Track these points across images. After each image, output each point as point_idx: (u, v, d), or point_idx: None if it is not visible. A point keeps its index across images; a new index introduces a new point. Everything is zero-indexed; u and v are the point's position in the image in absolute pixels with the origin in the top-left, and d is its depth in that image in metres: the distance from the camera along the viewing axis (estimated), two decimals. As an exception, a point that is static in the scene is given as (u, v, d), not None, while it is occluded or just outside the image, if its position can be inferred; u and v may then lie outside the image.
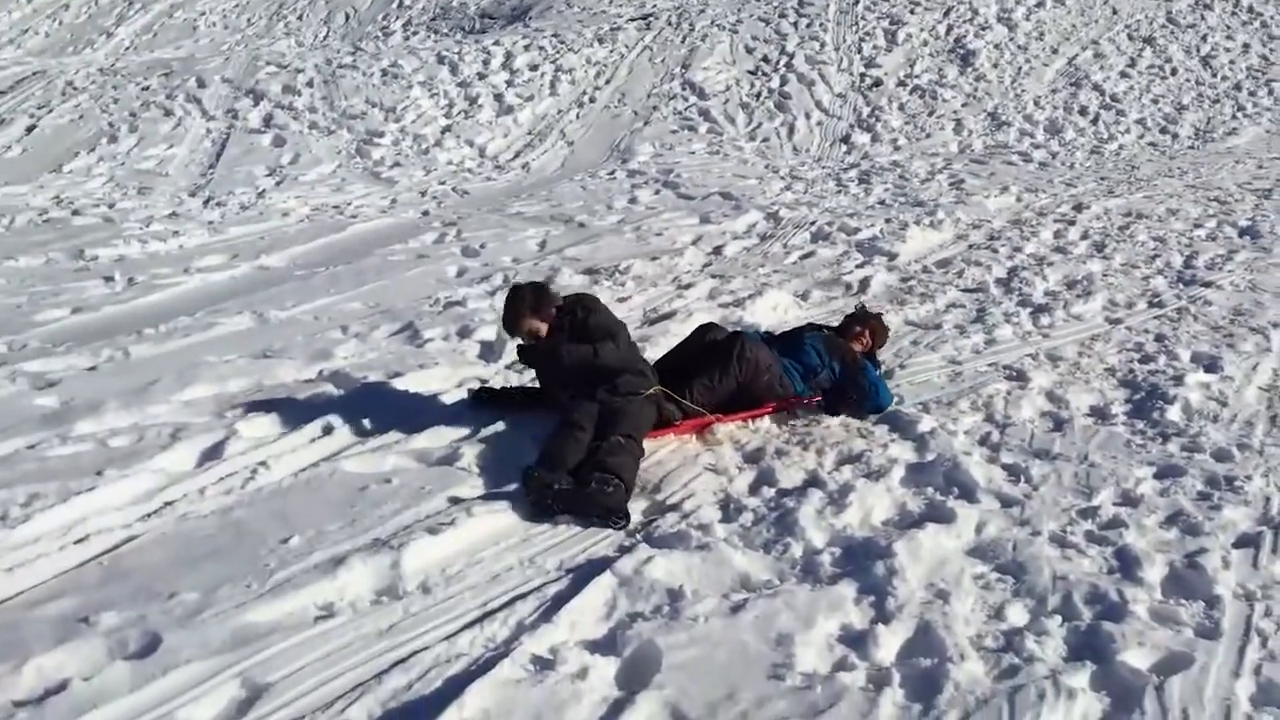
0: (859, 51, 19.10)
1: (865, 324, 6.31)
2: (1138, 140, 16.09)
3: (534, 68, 18.33)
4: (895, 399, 5.85)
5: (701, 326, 6.05)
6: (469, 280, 8.73)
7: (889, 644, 3.59)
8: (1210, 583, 3.91)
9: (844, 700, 3.26)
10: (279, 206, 12.06)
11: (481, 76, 17.95)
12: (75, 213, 11.66)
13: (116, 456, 4.96)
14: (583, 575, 4.02)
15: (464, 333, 7.09)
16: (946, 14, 20.42)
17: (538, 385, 5.60)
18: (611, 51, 19.15)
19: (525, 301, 5.32)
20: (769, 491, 4.80)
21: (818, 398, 5.79)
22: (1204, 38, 19.91)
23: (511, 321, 5.36)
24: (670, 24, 20.29)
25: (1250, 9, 20.93)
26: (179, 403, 5.74)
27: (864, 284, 8.52)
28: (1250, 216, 10.81)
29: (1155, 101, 17.56)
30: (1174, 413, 5.65)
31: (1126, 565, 4.05)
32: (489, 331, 7.02)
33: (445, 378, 6.23)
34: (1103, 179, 13.23)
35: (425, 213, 11.79)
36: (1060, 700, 3.22)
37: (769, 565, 4.12)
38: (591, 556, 4.23)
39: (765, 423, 5.61)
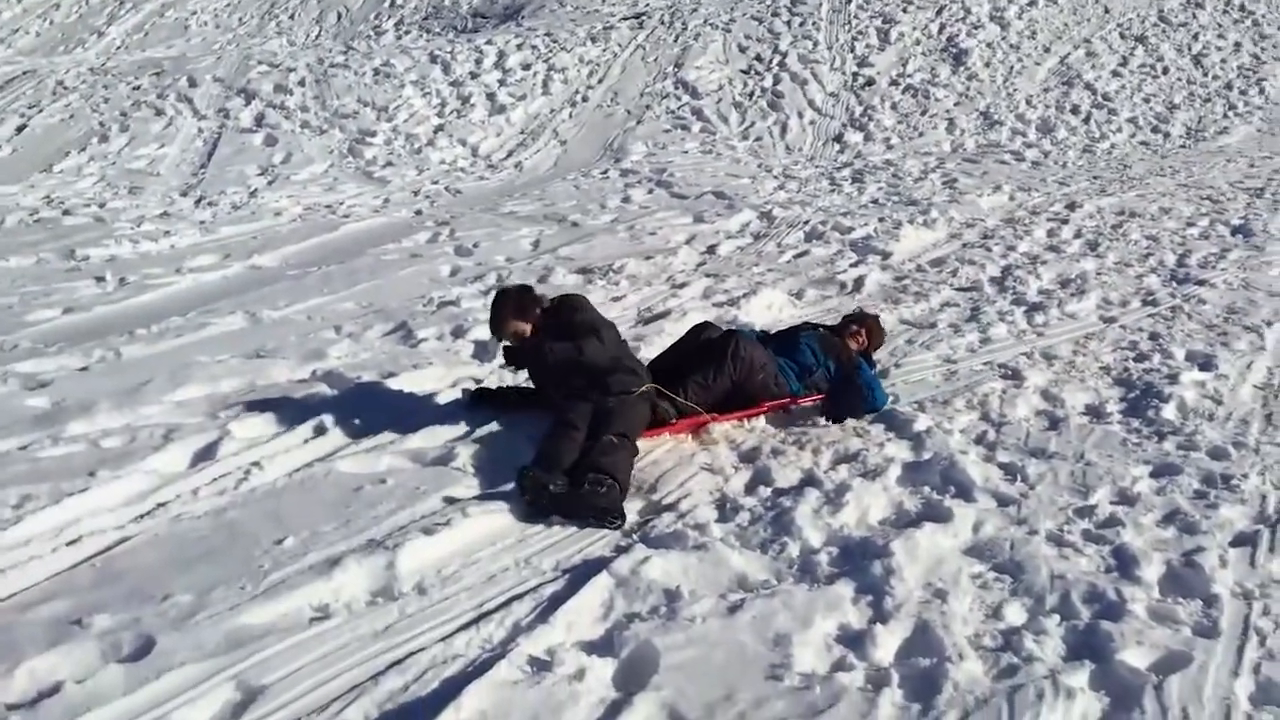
0: (852, 50, 19.11)
1: (862, 323, 6.31)
2: (1130, 139, 16.13)
3: (526, 67, 18.31)
4: (890, 398, 5.84)
5: (696, 326, 6.04)
6: (462, 280, 8.71)
7: (887, 644, 3.57)
8: (1208, 581, 3.90)
9: (843, 700, 3.25)
10: (271, 206, 12.03)
11: (474, 75, 17.93)
12: (66, 212, 11.62)
13: (109, 457, 4.93)
14: (579, 576, 4.00)
15: (458, 332, 7.07)
16: (939, 13, 20.44)
17: (532, 386, 5.58)
18: (604, 50, 19.14)
19: (510, 303, 5.36)
20: (765, 491, 4.78)
21: (815, 397, 5.78)
22: (1195, 36, 19.95)
23: (497, 324, 5.39)
24: (663, 23, 20.28)
25: (1241, 7, 20.98)
26: (171, 403, 5.71)
27: (858, 283, 8.51)
28: (1242, 215, 10.83)
29: (1147, 100, 17.60)
30: (1169, 411, 5.64)
31: (1124, 564, 4.04)
32: (483, 331, 6.97)
33: (439, 378, 6.21)
34: (1095, 178, 13.25)
35: (418, 212, 11.77)
36: (1059, 700, 3.21)
37: (766, 565, 4.10)
38: (588, 557, 4.21)
39: (761, 422, 5.60)
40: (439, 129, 16.08)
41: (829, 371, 5.86)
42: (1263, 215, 10.79)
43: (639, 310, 7.78)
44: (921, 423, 5.46)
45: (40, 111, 16.14)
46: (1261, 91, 18.03)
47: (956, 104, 17.39)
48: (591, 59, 18.81)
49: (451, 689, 3.27)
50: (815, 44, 19.22)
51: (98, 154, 14.74)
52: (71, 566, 4.06)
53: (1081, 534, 4.31)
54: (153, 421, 5.42)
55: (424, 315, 7.55)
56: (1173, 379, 6.11)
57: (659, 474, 5.00)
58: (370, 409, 5.55)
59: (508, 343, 5.38)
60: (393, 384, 6.03)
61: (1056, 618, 3.70)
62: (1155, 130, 16.50)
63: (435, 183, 13.67)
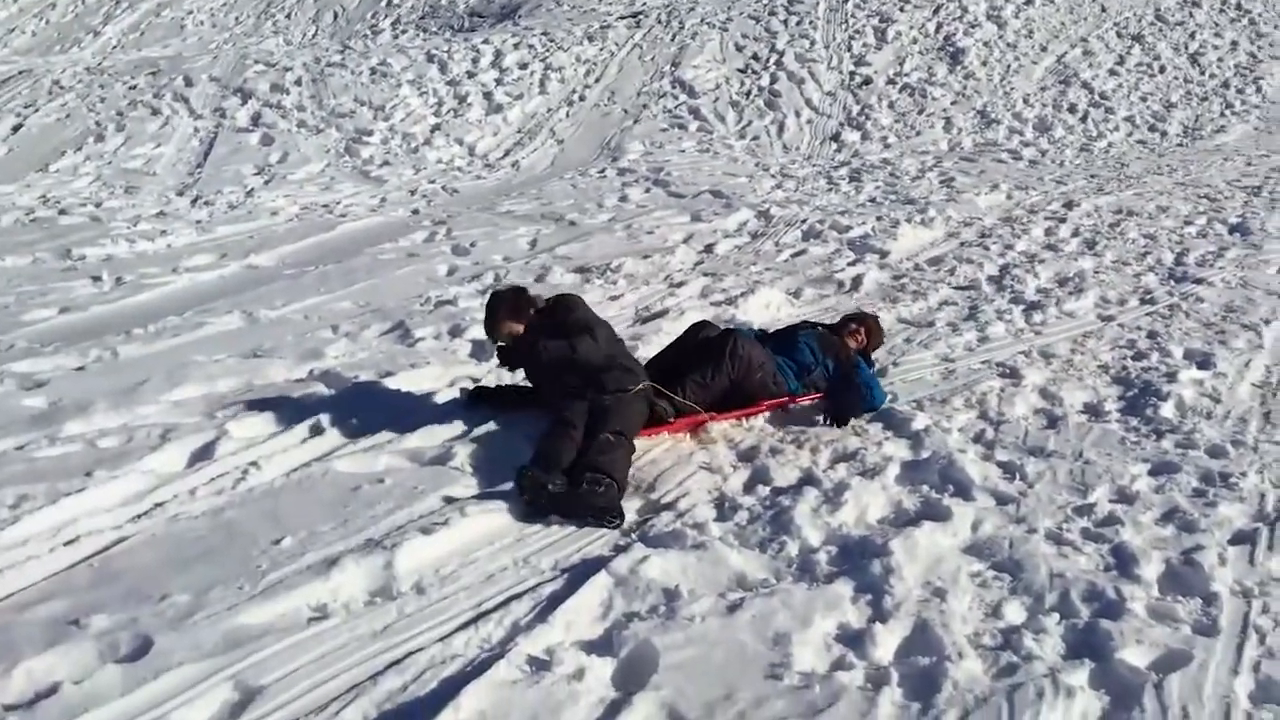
0: (849, 49, 19.11)
1: (862, 322, 6.30)
2: (1127, 138, 16.14)
3: (523, 66, 18.30)
4: (889, 397, 5.83)
5: (695, 324, 6.03)
6: (460, 279, 8.70)
7: (887, 643, 3.56)
8: (1207, 580, 3.90)
9: (842, 700, 3.24)
10: (268, 205, 12.01)
11: (471, 75, 17.92)
12: (62, 212, 11.60)
13: (106, 457, 4.91)
14: (578, 575, 3.99)
15: (455, 331, 7.06)
16: (936, 12, 20.45)
17: (530, 385, 5.57)
18: (601, 50, 19.13)
19: (504, 305, 5.38)
20: (764, 490, 4.78)
21: (814, 396, 5.77)
22: (1192, 35, 19.96)
23: (491, 325, 5.41)
24: (660, 22, 20.28)
25: (1238, 6, 21.00)
26: (168, 403, 5.70)
27: (856, 282, 8.50)
28: (1240, 214, 10.83)
29: (1144, 99, 17.60)
30: (1168, 409, 5.64)
31: (1123, 562, 4.04)
32: (480, 330, 6.96)
33: (437, 377, 6.20)
34: (1092, 176, 13.25)
35: (415, 211, 11.76)
36: (1059, 698, 3.20)
37: (765, 564, 4.10)
38: (586, 556, 4.20)
39: (759, 421, 5.59)
40: (436, 128, 16.07)
41: (827, 370, 5.85)
42: (1260, 214, 10.79)
43: (637, 309, 7.77)
44: (920, 421, 5.45)
45: (36, 111, 16.12)
46: (1259, 90, 18.03)
47: (953, 103, 17.39)
48: (588, 58, 18.80)
49: (450, 689, 3.26)
50: (812, 43, 19.22)
51: (94, 153, 14.72)
52: (69, 567, 4.05)
53: (1080, 532, 4.30)
54: (150, 421, 5.41)
55: (421, 314, 7.54)
56: (1171, 377, 6.11)
57: (657, 473, 4.99)
58: (368, 408, 5.54)
59: (502, 343, 5.38)
60: (390, 383, 6.03)
61: (1056, 616, 3.70)
62: (1152, 129, 16.51)
63: (432, 182, 13.65)
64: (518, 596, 3.87)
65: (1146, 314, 7.52)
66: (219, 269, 9.18)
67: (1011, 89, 17.83)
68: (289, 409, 5.51)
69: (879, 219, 10.58)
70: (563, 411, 5.02)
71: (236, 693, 3.28)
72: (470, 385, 5.88)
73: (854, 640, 3.57)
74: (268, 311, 7.65)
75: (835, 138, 16.21)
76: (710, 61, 18.58)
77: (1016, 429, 5.44)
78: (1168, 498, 4.60)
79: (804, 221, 10.61)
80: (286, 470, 4.89)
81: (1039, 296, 7.97)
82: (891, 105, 17.31)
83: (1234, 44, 19.69)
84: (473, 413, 5.50)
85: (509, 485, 4.62)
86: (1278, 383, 6.11)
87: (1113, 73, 18.46)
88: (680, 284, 8.41)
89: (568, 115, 16.81)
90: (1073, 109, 17.13)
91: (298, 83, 17.33)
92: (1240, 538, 4.26)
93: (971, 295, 8.11)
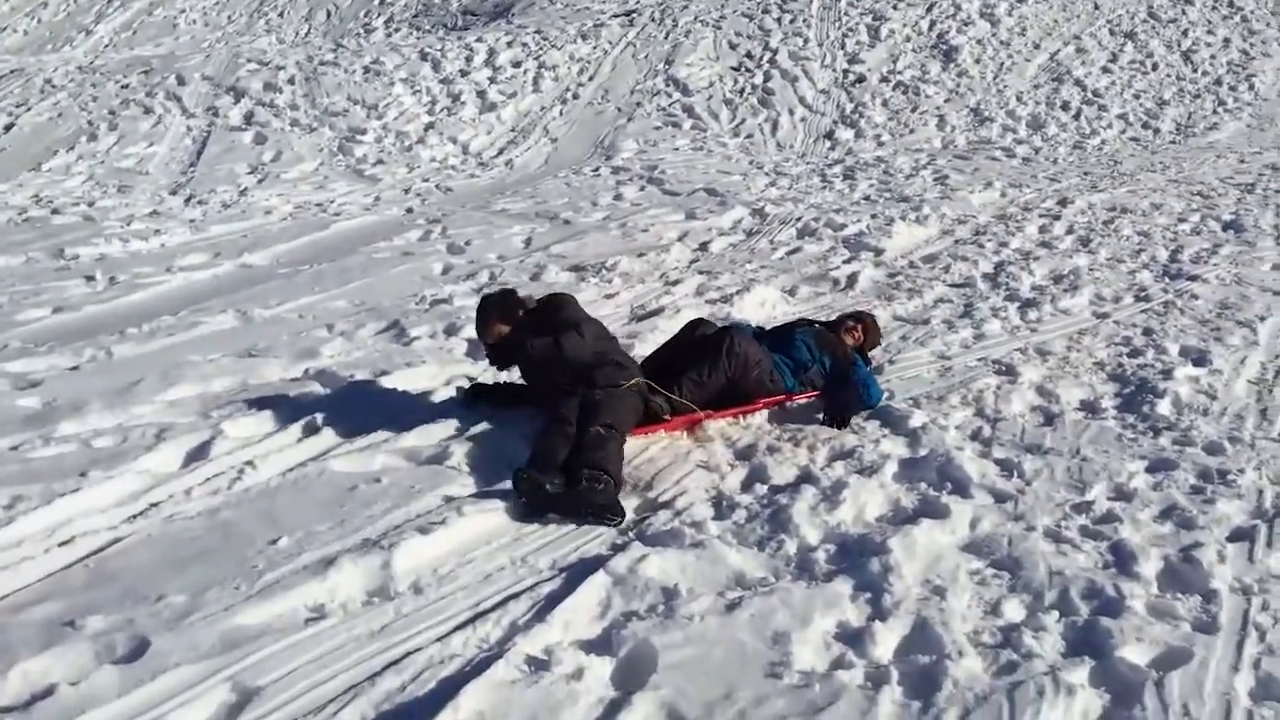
0: (842, 47, 19.11)
1: (859, 320, 6.30)
2: (1120, 135, 16.15)
3: (517, 64, 18.27)
4: (885, 394, 5.83)
5: (691, 322, 6.01)
6: (455, 278, 8.68)
7: (886, 641, 3.56)
8: (1206, 577, 3.89)
9: (843, 699, 3.23)
10: (261, 204, 11.97)
11: (464, 73, 17.88)
12: (55, 211, 11.55)
13: (101, 457, 4.89)
14: (576, 574, 3.98)
15: (450, 330, 7.04)
16: (929, 9, 20.45)
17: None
18: (595, 48, 19.10)
19: (493, 308, 5.39)
20: (761, 488, 4.76)
21: (811, 394, 5.76)
22: (1185, 33, 19.99)
23: (481, 328, 5.41)
24: (653, 20, 20.26)
25: (1230, 3, 21.04)
26: (163, 403, 5.67)
27: (851, 279, 8.50)
28: (1233, 211, 10.85)
29: (1137, 97, 17.63)
30: (1164, 407, 5.64)
31: (1122, 560, 4.03)
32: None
33: (433, 376, 6.18)
34: (1086, 174, 13.26)
35: (409, 210, 11.73)
36: (1060, 697, 3.20)
37: (763, 563, 4.09)
38: (584, 555, 4.19)
39: (756, 419, 5.58)
40: (429, 127, 16.04)
41: (824, 368, 5.84)
42: (1253, 210, 10.82)
43: (632, 308, 7.76)
44: (917, 419, 5.45)
45: (28, 110, 16.05)
46: (1251, 87, 18.07)
47: (947, 101, 17.39)
48: (582, 56, 18.77)
49: (449, 689, 3.25)
50: (806, 41, 19.21)
51: (86, 153, 14.66)
52: (64, 567, 4.03)
53: (1079, 530, 4.30)
54: (145, 421, 5.38)
55: (416, 313, 7.53)
56: (1167, 374, 6.12)
57: (655, 471, 4.98)
58: (364, 407, 5.52)
59: (491, 342, 5.39)
60: (386, 382, 6.01)
61: (1055, 614, 3.69)
62: (1145, 126, 16.53)
63: (426, 180, 13.62)
64: (516, 596, 3.85)
65: (1142, 311, 7.53)
66: (213, 268, 9.15)
67: (1005, 87, 17.84)
68: (284, 408, 5.49)
69: (873, 217, 10.57)
70: (558, 410, 5.01)
71: (234, 694, 3.27)
72: (467, 384, 5.86)
73: (853, 639, 3.57)
74: (262, 311, 7.62)
75: (829, 135, 16.20)
76: (704, 59, 18.57)
77: (1014, 426, 5.44)
78: (1166, 495, 4.60)
79: (799, 219, 10.60)
80: (282, 470, 4.86)
81: (1034, 294, 7.98)
82: (885, 103, 17.31)
83: (1226, 41, 19.72)
84: (469, 411, 5.48)
85: (506, 484, 4.61)
86: (1274, 379, 6.12)
87: (1106, 70, 18.48)
88: (675, 282, 8.40)
89: (561, 113, 16.78)
90: (1066, 106, 17.14)
91: (291, 81, 17.28)
92: (1239, 535, 4.26)
93: (967, 293, 8.11)
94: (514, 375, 5.61)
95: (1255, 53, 19.34)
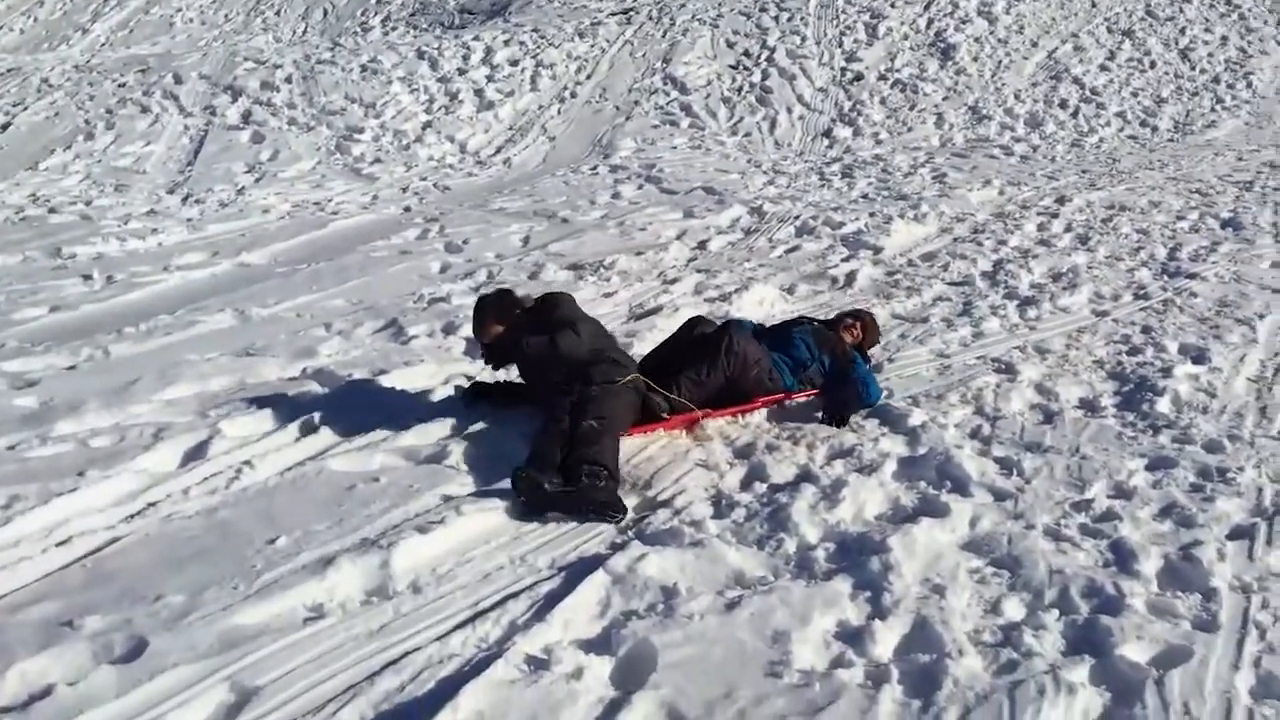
0: (840, 45, 19.11)
1: (858, 318, 6.29)
2: (1117, 133, 16.16)
3: (514, 63, 18.26)
4: (884, 393, 5.82)
5: (690, 320, 5.99)
6: (453, 276, 8.67)
7: (886, 640, 3.54)
8: (1206, 575, 3.88)
9: (843, 698, 3.22)
10: (259, 203, 11.97)
11: (462, 72, 17.87)
12: (52, 210, 11.54)
13: (98, 457, 4.88)
14: (575, 573, 3.96)
15: (449, 329, 7.03)
16: (927, 7, 20.46)
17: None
18: (592, 46, 19.10)
19: (489, 309, 5.39)
20: (760, 487, 4.75)
21: (810, 393, 5.75)
22: (1182, 30, 20.00)
23: (477, 327, 5.41)
24: (651, 18, 20.25)
25: (1228, 1, 21.03)
26: (161, 402, 5.66)
27: (850, 278, 8.50)
28: (1232, 208, 10.85)
29: (1135, 94, 17.64)
30: (1163, 405, 5.64)
31: (1122, 558, 4.02)
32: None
33: (431, 374, 6.17)
34: (1084, 172, 13.26)
35: (407, 209, 11.72)
36: (1060, 695, 3.19)
37: (763, 561, 4.08)
38: (583, 554, 4.18)
39: (755, 417, 5.56)
40: (427, 125, 16.03)
41: (824, 366, 5.83)
42: (1252, 208, 10.82)
43: (630, 306, 7.74)
44: (916, 417, 5.44)
45: (25, 109, 16.04)
46: (1249, 85, 18.08)
47: (945, 99, 17.39)
48: (579, 55, 18.77)
49: (448, 689, 3.23)
50: (803, 39, 19.21)
51: (83, 152, 14.64)
52: (62, 567, 4.01)
53: (1079, 528, 4.29)
54: (142, 420, 5.37)
55: (415, 312, 7.52)
56: (1166, 372, 6.11)
57: (654, 470, 4.97)
58: (362, 407, 5.50)
59: (487, 341, 5.39)
60: (384, 381, 5.99)
61: (1055, 613, 3.68)
62: (1143, 124, 16.54)
63: (424, 179, 13.61)
64: (515, 595, 3.84)
65: (1140, 309, 7.52)
66: (210, 267, 9.14)
67: (1003, 85, 17.85)
68: (282, 407, 5.48)
69: (872, 215, 10.57)
70: (554, 409, 5.00)
71: (232, 694, 3.25)
72: (467, 384, 5.84)
73: (853, 637, 3.55)
74: (260, 310, 7.61)
75: (827, 134, 16.21)
76: (701, 58, 18.57)
77: (1013, 424, 5.43)
78: (1165, 493, 4.59)
79: (797, 218, 10.60)
80: (280, 469, 4.85)
81: (1033, 292, 7.98)
82: (883, 101, 17.32)
83: (1224, 39, 19.73)
84: (468, 410, 5.47)
85: (505, 483, 4.59)
86: (1273, 377, 6.11)
87: (1103, 68, 18.49)
88: (674, 281, 8.39)
89: (559, 112, 16.77)
90: (1064, 104, 17.15)
91: (288, 80, 17.27)
92: (1238, 533, 4.24)
93: (965, 291, 8.11)
94: (513, 374, 5.60)
95: (1253, 50, 19.35)
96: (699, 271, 8.70)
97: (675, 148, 15.30)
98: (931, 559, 4.04)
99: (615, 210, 11.24)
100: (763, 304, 7.79)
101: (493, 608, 3.75)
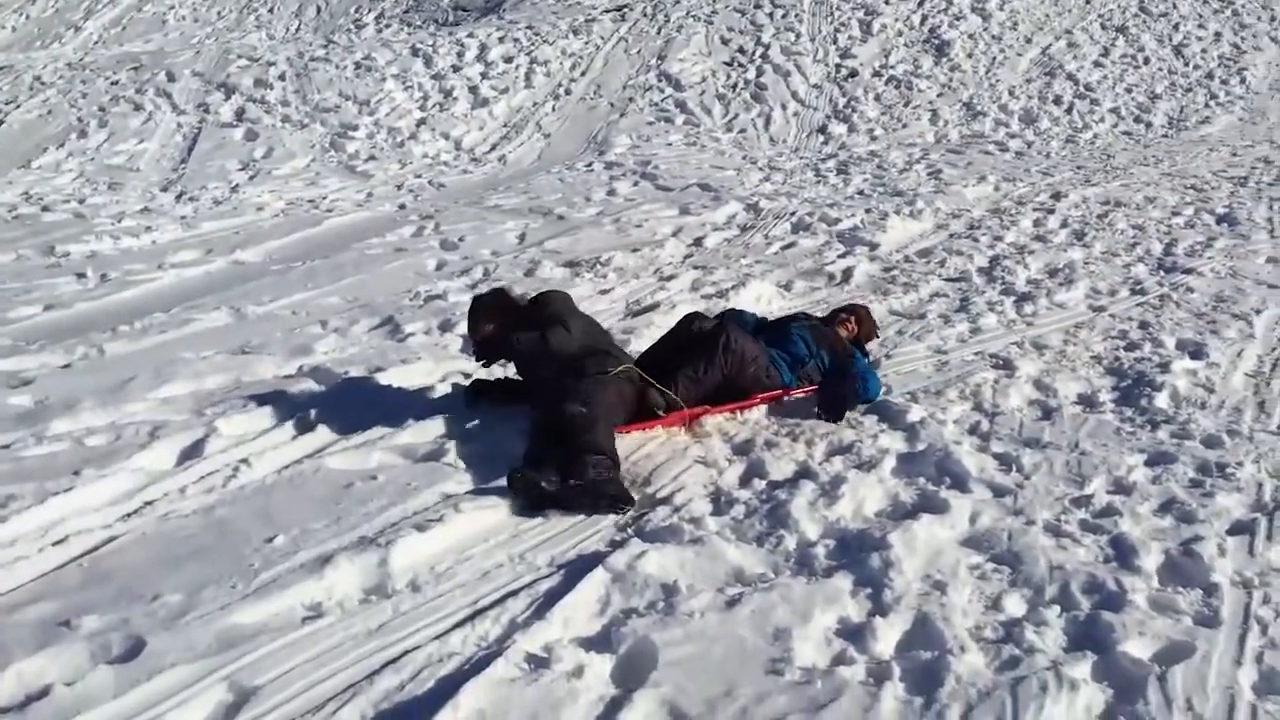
0: (834, 42, 19.10)
1: (852, 311, 6.27)
2: (1112, 129, 16.17)
3: (509, 60, 18.22)
4: (883, 389, 5.81)
5: (687, 316, 5.95)
6: (449, 274, 8.65)
7: (887, 637, 3.53)
8: (1207, 570, 3.87)
9: (845, 695, 3.20)
10: (253, 201, 11.93)
11: (456, 69, 17.83)
12: (45, 209, 11.49)
13: (94, 456, 4.85)
14: (575, 571, 3.94)
15: (445, 326, 7.01)
16: (921, 4, 20.45)
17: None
18: (586, 43, 19.07)
19: (483, 306, 5.38)
20: (760, 484, 4.74)
21: (808, 389, 5.74)
22: (1176, 26, 20.02)
23: (472, 327, 5.40)
24: (645, 15, 20.22)
25: (1221, -3, 21.06)
26: (156, 400, 5.64)
27: (847, 274, 8.49)
28: (1227, 204, 10.86)
29: (1129, 90, 17.65)
30: (1162, 400, 5.64)
31: (1123, 554, 4.01)
32: (471, 325, 6.95)
33: (428, 372, 6.15)
34: (1079, 168, 13.26)
35: (402, 206, 11.69)
36: (1063, 691, 3.17)
37: (763, 558, 4.06)
38: (583, 552, 4.16)
39: (754, 414, 5.55)
40: (421, 122, 15.99)
41: (822, 362, 5.81)
42: (1247, 204, 10.82)
43: (627, 303, 7.73)
44: (915, 414, 5.43)
45: (17, 107, 15.98)
46: (1242, 81, 18.10)
47: (939, 95, 17.40)
48: (574, 52, 18.74)
49: (448, 687, 3.21)
50: (798, 36, 19.20)
51: (76, 150, 14.59)
52: (58, 567, 3.99)
53: (1079, 524, 4.28)
54: (138, 419, 5.34)
55: (411, 309, 7.49)
56: (1164, 368, 6.11)
57: (652, 467, 4.95)
58: (359, 404, 5.48)
59: (479, 339, 5.38)
60: (381, 379, 5.97)
61: (1057, 609, 3.67)
62: (1138, 120, 16.55)
63: (418, 176, 13.58)
64: (514, 593, 3.82)
65: (1137, 304, 7.52)
66: (205, 265, 9.11)
67: (997, 81, 17.85)
68: (279, 405, 5.45)
69: (868, 211, 10.56)
70: (547, 406, 4.98)
71: (231, 693, 3.23)
72: (465, 382, 5.81)
73: (854, 634, 3.54)
74: (255, 307, 7.58)
75: (822, 130, 16.20)
76: (696, 55, 18.55)
77: (1011, 420, 5.42)
78: (1165, 488, 4.58)
79: (793, 214, 10.59)
80: (278, 467, 4.83)
81: (1029, 288, 7.97)
82: (878, 98, 17.31)
83: (1217, 35, 19.75)
84: (467, 408, 5.45)
85: (504, 481, 4.57)
86: (1270, 372, 6.11)
87: (1097, 64, 18.50)
88: (670, 277, 8.38)
89: (554, 109, 16.75)
90: (1058, 101, 17.16)
91: (281, 78, 17.22)
92: (1239, 528, 4.24)
93: (962, 287, 8.10)
94: (512, 372, 5.59)
95: (1246, 46, 19.37)
96: (695, 268, 8.69)
97: (670, 144, 15.29)
98: (932, 555, 4.03)
99: (611, 207, 11.23)
100: (759, 300, 7.77)
101: (492, 606, 3.73)
